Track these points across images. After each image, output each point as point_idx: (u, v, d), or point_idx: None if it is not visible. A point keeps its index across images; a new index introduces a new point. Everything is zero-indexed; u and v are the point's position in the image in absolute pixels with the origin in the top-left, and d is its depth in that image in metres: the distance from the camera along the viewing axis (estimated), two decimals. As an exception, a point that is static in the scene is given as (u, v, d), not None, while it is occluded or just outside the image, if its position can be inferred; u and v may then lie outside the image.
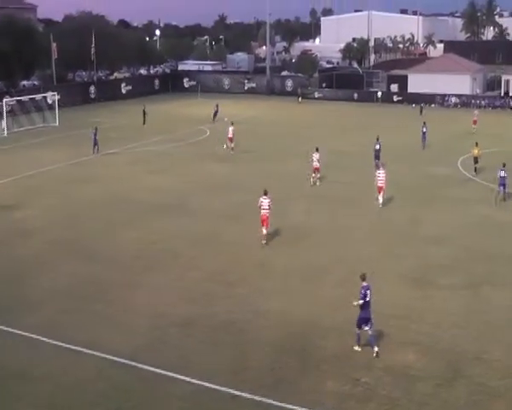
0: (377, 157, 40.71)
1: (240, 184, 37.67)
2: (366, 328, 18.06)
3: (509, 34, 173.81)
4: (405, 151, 48.49)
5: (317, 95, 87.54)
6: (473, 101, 79.91)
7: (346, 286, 22.33)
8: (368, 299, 17.98)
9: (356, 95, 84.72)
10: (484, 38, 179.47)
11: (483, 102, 79.62)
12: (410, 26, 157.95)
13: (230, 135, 47.88)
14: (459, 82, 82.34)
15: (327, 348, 18.52)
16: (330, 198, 34.93)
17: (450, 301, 21.76)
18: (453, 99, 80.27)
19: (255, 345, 18.68)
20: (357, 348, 18.32)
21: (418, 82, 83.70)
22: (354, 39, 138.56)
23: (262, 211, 26.97)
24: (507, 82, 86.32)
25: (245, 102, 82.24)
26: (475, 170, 40.89)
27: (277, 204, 29.55)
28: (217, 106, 63.81)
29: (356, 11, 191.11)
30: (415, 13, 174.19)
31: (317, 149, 38.06)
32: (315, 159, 37.63)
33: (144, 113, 60.74)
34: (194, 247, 27.08)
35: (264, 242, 27.11)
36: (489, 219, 31.34)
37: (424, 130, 51.10)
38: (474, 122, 58.87)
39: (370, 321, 18.05)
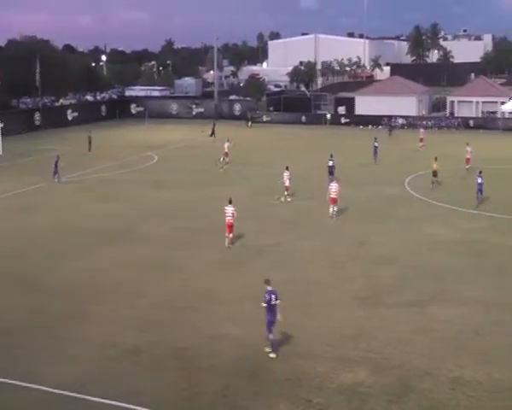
0: (331, 173, 42.76)
1: (187, 210, 37.58)
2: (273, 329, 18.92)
3: (453, 57, 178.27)
4: (354, 172, 49.03)
5: (265, 118, 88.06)
6: (419, 122, 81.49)
7: (297, 308, 22.31)
8: (273, 303, 18.88)
9: (304, 118, 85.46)
10: (429, 61, 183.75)
11: (429, 123, 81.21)
12: (356, 50, 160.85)
13: (226, 150, 51.77)
14: (405, 104, 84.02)
15: (278, 371, 18.42)
16: (279, 219, 35.05)
17: (399, 319, 21.95)
18: (400, 120, 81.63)
19: (206, 371, 18.47)
20: (272, 355, 18.98)
21: (365, 104, 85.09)
22: (301, 62, 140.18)
23: (226, 218, 29.89)
24: (452, 103, 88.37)
25: (193, 127, 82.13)
26: (432, 183, 42.74)
27: (221, 227, 30.10)
28: (214, 124, 64.99)
29: (303, 34, 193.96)
30: (361, 36, 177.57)
31: (286, 168, 39.30)
32: (285, 177, 38.89)
33: (90, 139, 60.16)
34: (142, 274, 26.74)
35: (229, 245, 29.65)
36: (435, 238, 31.79)
37: (376, 145, 53.16)
38: (421, 140, 60.51)
39: (274, 326, 18.95)
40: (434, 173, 42.90)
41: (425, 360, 18.94)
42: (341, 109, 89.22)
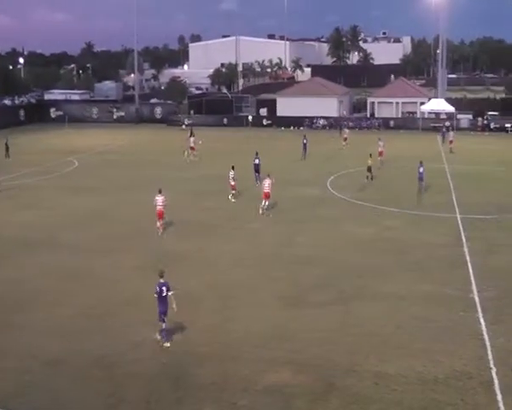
0: (257, 171, 44.35)
1: (108, 216, 36.98)
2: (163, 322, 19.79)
3: (373, 59, 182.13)
4: (277, 172, 49.26)
5: (187, 122, 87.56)
6: (340, 122, 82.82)
7: (220, 312, 22.28)
8: (164, 294, 19.69)
9: (226, 120, 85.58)
10: (349, 63, 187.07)
11: (350, 124, 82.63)
12: (277, 51, 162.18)
13: (192, 145, 56.65)
14: (327, 105, 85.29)
15: (203, 375, 18.29)
16: (199, 224, 34.84)
17: (323, 318, 22.16)
18: (321, 121, 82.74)
19: (130, 378, 18.17)
20: (161, 342, 19.78)
21: (287, 105, 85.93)
22: (223, 65, 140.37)
23: (157, 207, 32.28)
24: (372, 104, 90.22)
25: (114, 131, 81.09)
26: (367, 178, 45.26)
27: (143, 233, 29.55)
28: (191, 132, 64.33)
29: (224, 37, 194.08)
30: (282, 38, 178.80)
31: (232, 167, 39.74)
32: (230, 176, 39.39)
33: (7, 146, 58.52)
34: (62, 283, 26.04)
35: (160, 232, 32.08)
36: (357, 236, 32.35)
37: (305, 141, 57.01)
38: (345, 139, 61.93)
39: (166, 316, 19.83)
40: (369, 169, 45.22)
41: (348, 357, 19.18)
42: (263, 111, 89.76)
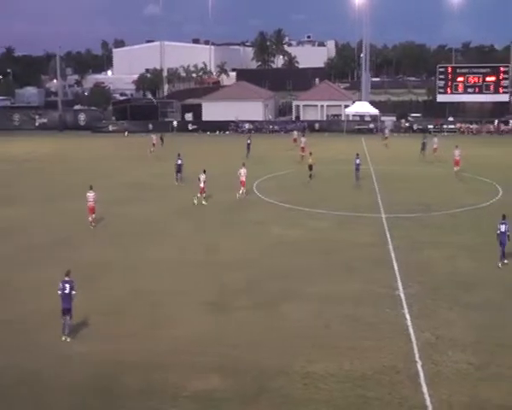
0: (179, 171, 46.54)
1: (31, 227, 35.76)
2: (67, 317, 20.58)
3: (297, 62, 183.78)
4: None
5: (111, 128, 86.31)
6: (266, 126, 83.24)
7: (147, 320, 21.97)
8: (67, 292, 20.56)
9: (151, 125, 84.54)
10: (274, 66, 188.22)
11: (276, 127, 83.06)
12: (202, 56, 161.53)
13: (154, 141, 63.18)
14: (252, 109, 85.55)
15: (131, 384, 17.92)
16: (124, 231, 34.27)
17: (251, 322, 22.09)
18: (247, 125, 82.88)
19: (58, 392, 17.62)
20: (64, 338, 20.53)
21: (212, 110, 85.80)
22: (147, 70, 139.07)
23: (88, 203, 34.52)
24: (297, 107, 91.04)
25: (36, 138, 79.14)
26: (310, 176, 47.05)
27: (66, 241, 29.47)
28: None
29: (148, 42, 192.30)
30: (207, 42, 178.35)
31: (204, 171, 40.37)
32: (201, 180, 40.04)
33: None
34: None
35: (92, 226, 34.46)
36: (284, 238, 32.42)
37: (249, 141, 60.06)
38: (294, 140, 63.45)
39: (70, 312, 20.65)
40: (310, 167, 47.03)
41: (277, 359, 19.16)
42: (188, 116, 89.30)
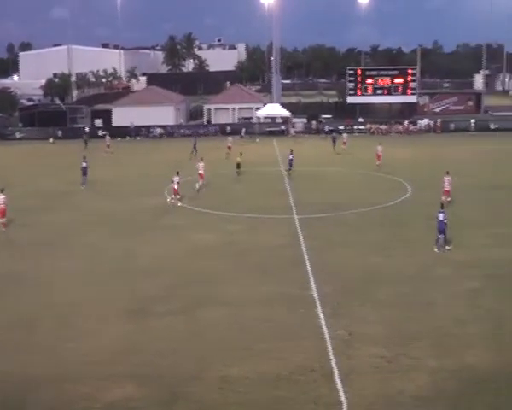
0: (85, 174, 47.32)
1: None
2: None
3: (208, 66, 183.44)
4: (113, 183, 48.58)
5: (18, 135, 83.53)
6: (177, 130, 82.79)
7: (58, 332, 21.45)
8: None
9: (60, 132, 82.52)
10: (185, 70, 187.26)
11: (187, 131, 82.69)
12: (112, 60, 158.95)
13: (108, 143, 66.15)
14: (163, 113, 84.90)
15: (44, 400, 17.39)
16: (33, 242, 33.14)
17: (168, 328, 21.89)
18: (158, 130, 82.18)
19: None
20: None
21: (123, 115, 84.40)
22: (55, 75, 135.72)
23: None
24: (209, 111, 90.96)
25: None
26: (237, 174, 50.23)
27: None
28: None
29: (55, 45, 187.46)
30: (116, 47, 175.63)
31: (177, 173, 40.95)
32: (175, 181, 40.59)
33: None
34: None
35: (3, 230, 34.95)
36: (199, 243, 32.29)
37: (194, 141, 62.68)
38: (228, 148, 61.89)
39: None
40: (238, 166, 50.29)
41: (193, 365, 19.08)
42: (98, 122, 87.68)
